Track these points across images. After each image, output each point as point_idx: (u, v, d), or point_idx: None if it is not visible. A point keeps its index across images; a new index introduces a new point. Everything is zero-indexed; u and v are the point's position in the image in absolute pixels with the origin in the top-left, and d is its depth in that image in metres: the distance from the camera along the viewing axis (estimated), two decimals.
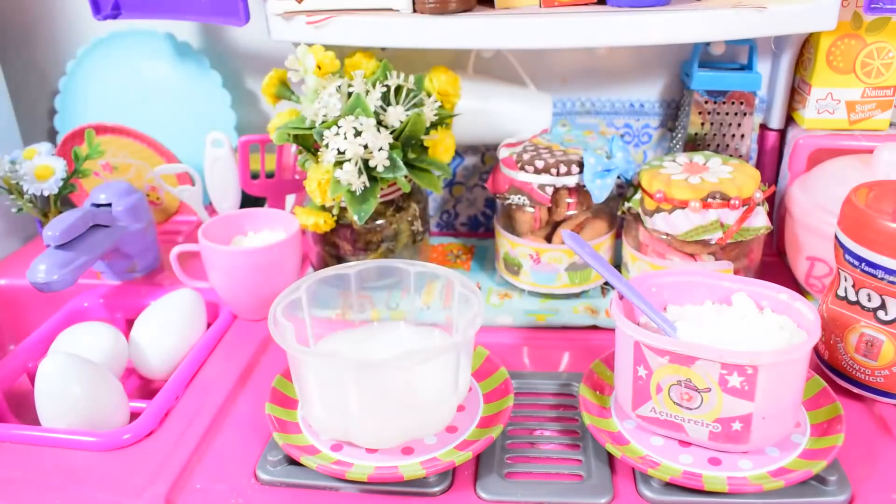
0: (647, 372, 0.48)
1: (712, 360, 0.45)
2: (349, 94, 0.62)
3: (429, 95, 0.64)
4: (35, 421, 0.55)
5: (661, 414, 0.48)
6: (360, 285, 0.58)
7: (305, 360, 0.47)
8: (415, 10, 0.66)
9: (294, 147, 0.73)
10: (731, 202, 0.60)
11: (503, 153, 0.69)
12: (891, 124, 0.72)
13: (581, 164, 0.65)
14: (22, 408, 0.59)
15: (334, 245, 0.69)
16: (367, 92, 0.62)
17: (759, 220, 0.62)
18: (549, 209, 0.67)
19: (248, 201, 0.81)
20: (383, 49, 0.75)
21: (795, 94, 0.75)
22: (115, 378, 0.58)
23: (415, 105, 0.63)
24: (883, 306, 0.52)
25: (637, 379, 0.48)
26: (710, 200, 0.60)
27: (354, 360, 0.48)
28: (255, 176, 0.79)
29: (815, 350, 0.58)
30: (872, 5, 0.63)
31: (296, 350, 0.47)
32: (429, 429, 0.50)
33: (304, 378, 0.50)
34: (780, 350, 0.45)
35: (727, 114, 0.74)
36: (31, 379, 0.61)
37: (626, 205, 0.66)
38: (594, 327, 0.66)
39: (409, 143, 0.63)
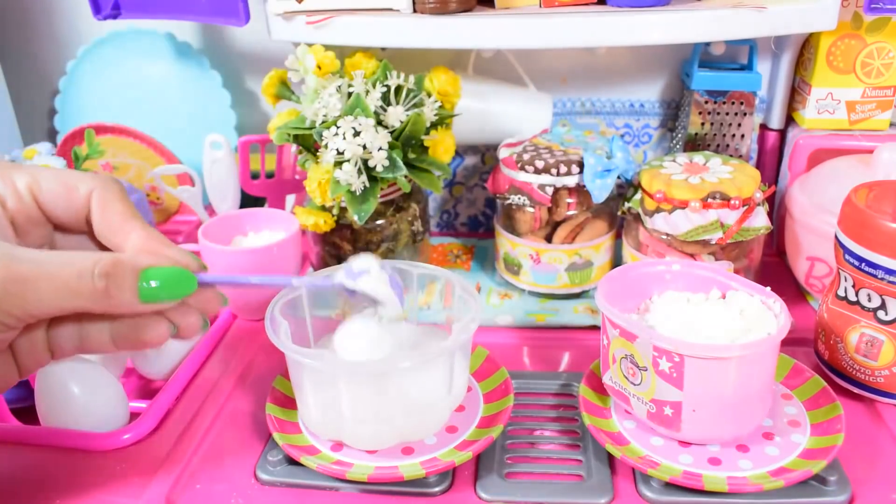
0: (607, 341, 0.50)
1: (647, 340, 0.46)
2: (349, 94, 0.62)
3: (429, 95, 0.64)
4: (35, 421, 0.55)
5: (616, 384, 0.50)
6: None
7: (299, 359, 0.47)
8: (415, 10, 0.66)
9: (294, 147, 0.73)
10: (731, 202, 0.60)
11: (503, 153, 0.69)
12: (891, 124, 0.72)
13: (581, 164, 0.65)
14: (22, 408, 0.59)
15: (334, 245, 0.69)
16: (367, 92, 0.62)
17: (759, 220, 0.62)
18: (550, 209, 0.67)
19: (248, 201, 0.81)
20: (383, 49, 0.75)
21: (795, 94, 0.75)
22: (115, 378, 0.58)
23: (415, 105, 0.63)
24: (883, 306, 0.52)
25: (602, 347, 0.51)
26: (710, 200, 0.60)
27: (346, 361, 0.48)
28: (255, 176, 0.79)
29: (815, 350, 0.58)
30: (872, 5, 0.63)
31: (288, 349, 0.47)
32: (422, 431, 0.50)
33: (298, 378, 0.50)
34: (704, 345, 0.46)
35: (727, 114, 0.74)
36: (32, 379, 0.61)
37: (626, 205, 0.66)
38: (594, 327, 0.66)
39: (409, 143, 0.63)
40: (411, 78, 0.64)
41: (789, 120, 0.76)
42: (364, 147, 0.59)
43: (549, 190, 0.66)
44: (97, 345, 0.39)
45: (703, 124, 0.75)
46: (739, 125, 0.75)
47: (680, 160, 0.66)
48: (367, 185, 0.61)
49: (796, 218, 0.66)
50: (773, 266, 0.74)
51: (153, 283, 0.36)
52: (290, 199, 0.83)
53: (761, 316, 0.49)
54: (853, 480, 0.46)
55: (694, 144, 0.76)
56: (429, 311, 0.59)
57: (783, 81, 0.74)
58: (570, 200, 0.67)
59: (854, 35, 0.68)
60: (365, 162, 0.60)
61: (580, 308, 0.68)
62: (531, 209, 0.67)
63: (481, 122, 0.74)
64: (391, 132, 0.61)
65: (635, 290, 0.55)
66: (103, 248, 0.42)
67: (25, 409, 0.57)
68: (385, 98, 0.62)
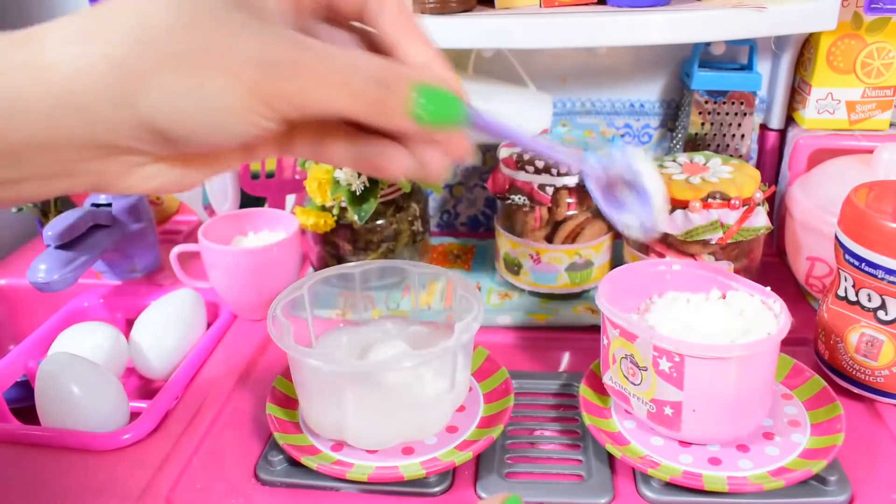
0: (608, 342, 0.50)
1: (647, 340, 0.46)
2: None
3: None
4: (35, 421, 0.55)
5: (616, 384, 0.50)
6: (363, 285, 0.58)
7: (302, 360, 0.47)
8: (415, 10, 0.66)
9: None
10: (732, 202, 0.60)
11: (503, 153, 0.69)
12: (891, 124, 0.72)
13: None
14: (22, 408, 0.59)
15: (334, 245, 0.69)
16: None
17: (760, 220, 0.62)
18: (550, 209, 0.67)
19: (248, 201, 0.81)
20: None
21: (795, 94, 0.75)
22: (115, 378, 0.58)
23: None
24: (883, 306, 0.52)
25: (602, 347, 0.51)
26: (710, 200, 0.60)
27: (348, 362, 0.49)
28: (255, 176, 0.79)
29: (816, 350, 0.58)
30: (872, 5, 0.63)
31: (291, 350, 0.47)
32: (424, 431, 0.50)
33: (300, 377, 0.50)
34: (704, 345, 0.46)
35: (727, 114, 0.74)
36: (32, 379, 0.61)
37: None
38: (594, 327, 0.66)
39: None
40: None
41: (789, 120, 0.76)
42: None
43: (549, 190, 0.66)
44: (339, 159, 0.35)
45: (703, 124, 0.75)
46: (739, 125, 0.75)
47: (680, 160, 0.66)
48: (367, 185, 0.61)
49: (796, 218, 0.66)
50: (773, 266, 0.74)
51: (423, 101, 0.32)
52: (290, 199, 0.83)
53: (761, 316, 0.49)
54: (853, 480, 0.46)
55: (694, 144, 0.76)
56: (430, 311, 0.59)
57: (783, 81, 0.74)
58: (570, 200, 0.67)
59: (854, 35, 0.68)
60: None
61: (580, 308, 0.68)
62: (531, 209, 0.67)
63: None
64: None
65: (635, 290, 0.55)
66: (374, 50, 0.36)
67: (25, 409, 0.57)
68: None
